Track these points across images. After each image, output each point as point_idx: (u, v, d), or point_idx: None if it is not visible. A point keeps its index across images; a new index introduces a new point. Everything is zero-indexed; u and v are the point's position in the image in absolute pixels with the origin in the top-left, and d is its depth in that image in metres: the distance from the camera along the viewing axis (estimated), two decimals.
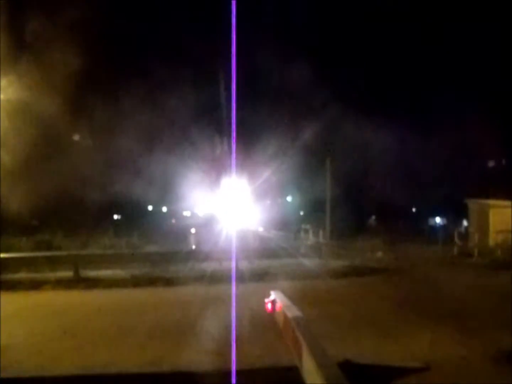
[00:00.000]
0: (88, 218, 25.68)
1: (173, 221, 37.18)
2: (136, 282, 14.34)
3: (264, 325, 6.86)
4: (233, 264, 11.52)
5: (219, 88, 20.09)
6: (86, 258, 16.79)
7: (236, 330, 8.15)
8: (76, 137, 24.97)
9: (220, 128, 22.50)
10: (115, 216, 37.05)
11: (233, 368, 4.36)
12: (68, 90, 17.13)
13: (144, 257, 17.54)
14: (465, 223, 26.56)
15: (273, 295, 5.65)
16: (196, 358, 6.89)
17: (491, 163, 28.75)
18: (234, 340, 5.17)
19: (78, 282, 14.39)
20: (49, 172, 22.27)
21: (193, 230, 22.96)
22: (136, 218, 32.05)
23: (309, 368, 3.24)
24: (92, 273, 15.45)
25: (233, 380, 4.34)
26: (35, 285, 13.76)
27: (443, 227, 31.97)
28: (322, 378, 2.84)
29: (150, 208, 40.53)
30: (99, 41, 19.81)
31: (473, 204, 23.82)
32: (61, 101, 16.94)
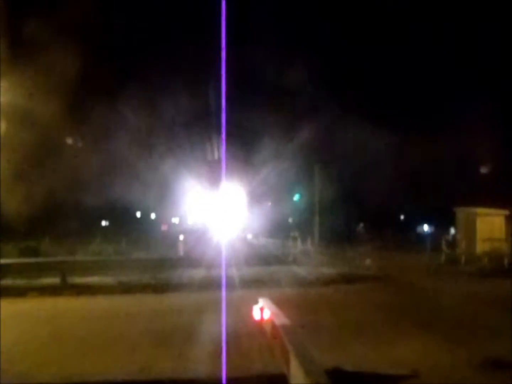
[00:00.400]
0: (75, 224, 25.54)
1: (165, 227, 37.11)
2: (124, 289, 14.25)
3: (252, 332, 6.82)
4: (223, 271, 11.47)
5: (211, 94, 20.12)
6: (74, 264, 16.71)
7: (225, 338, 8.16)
8: (66, 142, 24.89)
9: (210, 134, 22.50)
10: (103, 223, 36.88)
11: (223, 376, 4.33)
12: (60, 94, 17.09)
13: (132, 264, 17.47)
14: (452, 231, 26.73)
15: (261, 303, 5.63)
16: (184, 366, 6.85)
17: (482, 170, 29.02)
18: (225, 348, 5.11)
19: (65, 289, 14.25)
20: (36, 177, 22.15)
21: (181, 237, 22.91)
22: (124, 224, 31.92)
23: (297, 375, 3.23)
24: (79, 279, 15.32)
25: None
26: (21, 292, 13.60)
27: (431, 234, 32.17)
28: None
29: (138, 214, 40.41)
30: (91, 45, 19.78)
31: (460, 212, 23.99)
32: (51, 105, 16.89)
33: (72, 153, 25.15)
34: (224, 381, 4.38)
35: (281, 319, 4.53)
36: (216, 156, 20.03)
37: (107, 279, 15.48)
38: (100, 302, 12.89)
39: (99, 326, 9.73)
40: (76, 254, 21.00)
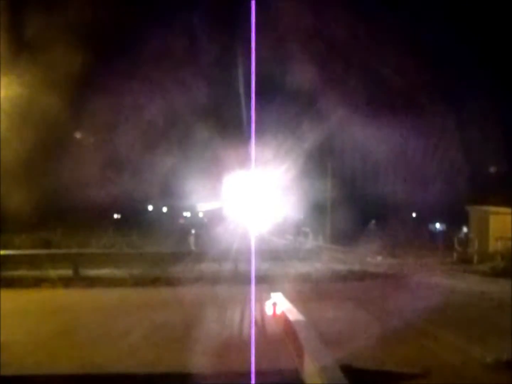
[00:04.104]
0: (88, 217, 25.66)
1: (181, 221, 37.32)
2: (135, 282, 14.34)
3: (265, 328, 6.83)
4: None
5: (221, 80, 19.99)
6: (86, 256, 16.78)
7: (239, 332, 8.19)
8: (77, 135, 24.97)
9: (223, 125, 22.37)
10: (115, 216, 37.04)
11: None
12: (67, 88, 17.15)
13: (143, 257, 17.52)
14: (465, 229, 26.52)
15: (273, 298, 5.65)
16: (195, 360, 6.87)
17: (492, 169, 28.72)
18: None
19: (78, 281, 14.39)
20: (49, 170, 22.28)
21: (193, 231, 22.96)
22: (136, 217, 32.05)
23: (310, 370, 3.23)
24: (91, 272, 15.44)
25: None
26: (35, 283, 13.75)
27: (443, 232, 31.95)
28: (324, 380, 2.83)
29: (150, 208, 40.55)
30: (98, 36, 19.75)
31: (473, 211, 23.83)
32: (61, 100, 16.95)
33: (84, 146, 25.25)
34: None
35: (294, 315, 4.53)
36: (229, 149, 19.85)
37: (118, 272, 15.57)
38: (111, 294, 12.97)
39: (111, 318, 9.82)
40: (88, 247, 21.10)
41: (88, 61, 17.55)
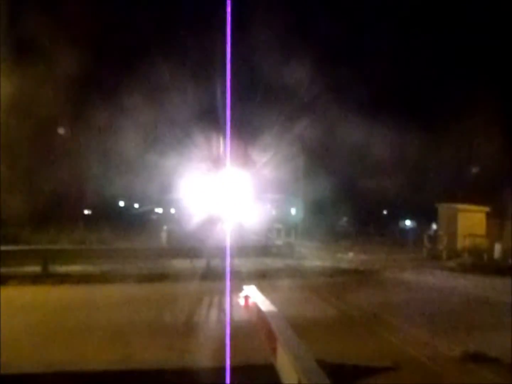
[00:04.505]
0: (57, 213, 25.23)
1: (153, 217, 37.06)
2: (106, 278, 14.13)
3: (237, 320, 6.81)
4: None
5: (196, 75, 19.84)
6: (55, 253, 16.50)
7: (209, 327, 8.17)
8: (50, 131, 24.50)
9: (197, 119, 22.16)
10: (86, 211, 36.47)
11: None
12: (45, 80, 16.87)
13: (114, 253, 17.32)
14: (434, 226, 27.00)
15: (246, 290, 5.64)
16: (165, 356, 6.83)
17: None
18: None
19: (47, 278, 14.10)
20: (17, 165, 21.81)
21: (165, 227, 22.80)
22: (107, 213, 31.62)
23: (284, 362, 3.23)
24: (61, 268, 15.17)
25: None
26: (1, 280, 13.41)
27: (413, 230, 32.47)
28: (299, 372, 2.83)
29: (121, 204, 40.11)
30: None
31: (442, 208, 24.26)
32: (38, 91, 16.65)
33: (53, 142, 24.80)
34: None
35: (267, 306, 4.53)
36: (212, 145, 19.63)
37: (89, 268, 15.35)
38: (82, 291, 12.78)
39: (81, 315, 9.65)
40: (58, 243, 20.74)
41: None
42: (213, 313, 9.70)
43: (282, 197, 28.40)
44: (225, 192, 14.71)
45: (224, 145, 15.16)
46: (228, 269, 8.81)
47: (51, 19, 16.98)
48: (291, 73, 21.20)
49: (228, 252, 16.38)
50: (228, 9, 6.71)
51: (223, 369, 4.39)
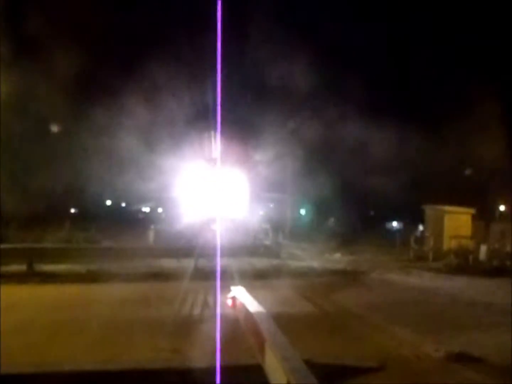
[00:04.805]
0: (44, 211, 25.04)
1: (141, 216, 36.92)
2: (92, 278, 14.04)
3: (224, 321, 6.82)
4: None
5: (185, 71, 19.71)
6: (41, 251, 16.38)
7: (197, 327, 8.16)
8: (29, 127, 24.22)
9: (185, 116, 22.02)
10: (72, 210, 36.27)
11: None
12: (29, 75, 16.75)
13: (101, 252, 17.24)
14: (421, 227, 27.20)
15: (234, 291, 5.65)
16: (152, 356, 6.81)
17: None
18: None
19: (32, 277, 13.98)
20: (2, 163, 21.58)
21: (152, 226, 22.74)
22: (94, 212, 31.44)
23: (272, 363, 3.24)
24: (47, 267, 15.05)
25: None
26: None
27: (399, 231, 32.68)
28: (287, 373, 2.84)
29: (108, 202, 39.92)
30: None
31: (429, 210, 24.45)
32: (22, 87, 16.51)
33: (41, 137, 24.57)
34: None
35: (255, 307, 4.54)
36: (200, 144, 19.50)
37: (75, 267, 15.25)
38: (67, 290, 12.67)
39: (66, 314, 9.59)
40: (44, 241, 20.58)
41: None
42: (200, 314, 9.68)
43: (270, 197, 28.42)
44: (212, 192, 14.70)
45: (213, 145, 15.14)
46: (218, 269, 8.79)
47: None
48: (273, 68, 21.23)
49: (216, 252, 16.41)
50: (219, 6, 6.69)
51: (213, 369, 4.39)
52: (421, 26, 28.87)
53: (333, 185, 29.59)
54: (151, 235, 22.03)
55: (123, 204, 40.57)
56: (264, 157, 22.29)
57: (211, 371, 4.37)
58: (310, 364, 5.55)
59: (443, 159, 28.06)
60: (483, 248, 19.65)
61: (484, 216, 25.49)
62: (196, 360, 6.08)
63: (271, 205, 28.15)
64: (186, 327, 8.29)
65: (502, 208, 32.15)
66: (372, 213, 42.63)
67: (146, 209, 40.06)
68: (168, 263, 16.01)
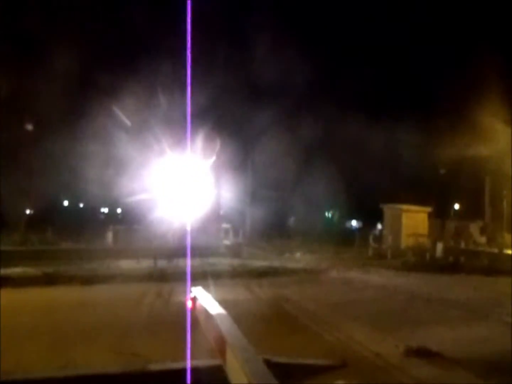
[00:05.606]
0: None
1: (99, 216, 36.26)
2: (49, 280, 13.63)
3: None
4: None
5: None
6: None
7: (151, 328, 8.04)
8: None
9: (146, 118, 21.73)
10: (27, 211, 35.24)
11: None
12: None
13: (58, 254, 16.82)
14: (379, 226, 27.69)
15: (194, 292, 5.58)
16: (112, 360, 6.66)
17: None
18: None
19: None
20: None
21: (111, 227, 22.36)
22: (50, 213, 30.66)
23: (233, 364, 3.20)
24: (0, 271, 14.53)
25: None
26: None
27: (358, 230, 33.17)
28: (248, 374, 2.80)
29: (65, 203, 39.04)
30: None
31: (387, 209, 24.92)
32: None
33: None
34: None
35: (215, 309, 4.48)
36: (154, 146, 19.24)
37: (31, 270, 14.78)
38: (23, 294, 12.27)
39: (21, 319, 9.28)
40: None
41: None
42: (158, 316, 9.52)
43: (230, 197, 28.33)
44: (173, 192, 14.57)
45: (173, 144, 15.00)
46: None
47: None
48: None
49: (175, 252, 16.29)
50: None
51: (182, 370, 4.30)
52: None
53: (293, 185, 29.81)
54: (110, 236, 21.66)
55: (81, 205, 39.72)
56: (221, 156, 22.21)
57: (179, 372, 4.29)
58: (270, 364, 5.55)
59: (401, 159, 28.65)
60: (439, 246, 20.16)
61: (440, 214, 26.20)
62: (157, 362, 5.99)
63: (232, 205, 28.06)
64: (145, 331, 8.14)
65: (456, 206, 33.06)
66: (331, 212, 43.14)
67: (105, 209, 39.39)
68: (127, 264, 15.75)
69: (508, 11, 21.15)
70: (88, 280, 13.75)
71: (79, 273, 14.44)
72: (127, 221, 26.07)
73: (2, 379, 5.37)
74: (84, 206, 39.39)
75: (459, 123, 24.42)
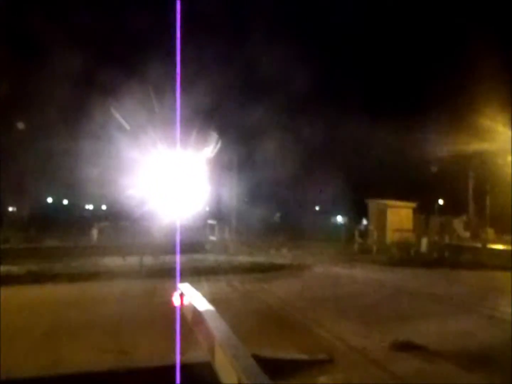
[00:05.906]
0: None
1: (84, 213, 35.93)
2: (34, 278, 13.49)
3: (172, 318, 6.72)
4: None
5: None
6: None
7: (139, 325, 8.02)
8: None
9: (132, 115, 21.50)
10: (10, 209, 34.85)
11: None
12: None
13: (42, 252, 16.67)
14: (365, 222, 27.82)
15: (181, 289, 5.57)
16: (97, 358, 6.62)
17: (389, 165, 30.22)
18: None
19: None
20: None
21: (96, 224, 22.20)
22: (34, 210, 30.33)
23: (222, 360, 3.20)
24: None
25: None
26: None
27: (344, 225, 33.28)
28: (237, 369, 2.81)
29: (49, 200, 38.64)
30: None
31: (372, 204, 25.04)
32: None
33: None
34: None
35: (203, 305, 4.48)
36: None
37: (14, 269, 14.62)
38: (7, 293, 12.12)
39: (6, 318, 9.17)
40: None
41: None
42: (146, 313, 9.48)
43: (216, 193, 28.24)
44: (160, 188, 14.47)
45: (160, 140, 14.87)
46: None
47: None
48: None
49: (161, 249, 16.23)
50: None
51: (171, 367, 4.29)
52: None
53: (279, 181, 29.81)
54: (94, 233, 21.51)
55: (65, 202, 39.34)
56: (207, 152, 22.08)
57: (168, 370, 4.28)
58: (259, 359, 5.57)
59: (386, 155, 28.81)
60: (424, 241, 20.35)
61: (425, 210, 26.40)
62: (145, 360, 5.98)
63: (218, 202, 28.00)
64: (133, 328, 8.11)
65: (441, 202, 33.32)
66: (317, 208, 43.27)
67: (89, 206, 39.09)
68: (113, 262, 15.65)
69: (508, 10, 21.26)
70: (74, 277, 13.65)
71: (64, 271, 14.33)
72: (113, 217, 25.91)
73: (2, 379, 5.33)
74: (68, 203, 39.06)
75: (444, 119, 24.64)
